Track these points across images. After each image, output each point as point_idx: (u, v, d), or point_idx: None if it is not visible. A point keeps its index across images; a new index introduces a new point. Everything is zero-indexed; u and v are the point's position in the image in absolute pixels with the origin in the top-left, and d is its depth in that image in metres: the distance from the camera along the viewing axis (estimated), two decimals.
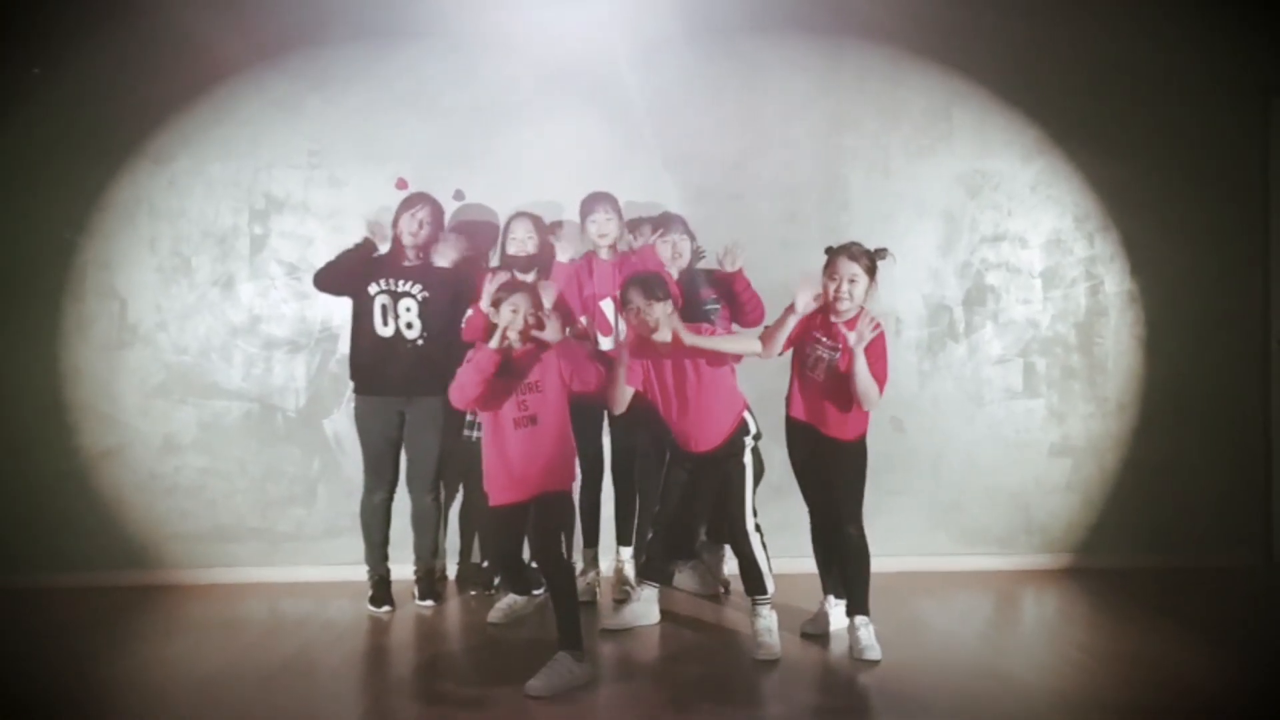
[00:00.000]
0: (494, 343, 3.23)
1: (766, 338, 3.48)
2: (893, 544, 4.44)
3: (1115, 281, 4.58)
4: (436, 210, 4.08)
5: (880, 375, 3.35)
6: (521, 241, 4.04)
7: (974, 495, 4.60)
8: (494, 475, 3.31)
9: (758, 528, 3.54)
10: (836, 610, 3.64)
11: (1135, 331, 4.59)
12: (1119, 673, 3.27)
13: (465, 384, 3.23)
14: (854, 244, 3.45)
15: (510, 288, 3.40)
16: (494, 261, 4.26)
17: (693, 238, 4.12)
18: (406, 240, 3.99)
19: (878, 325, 3.32)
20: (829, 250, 3.48)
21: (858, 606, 3.45)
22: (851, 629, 3.44)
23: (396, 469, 4.06)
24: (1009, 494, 4.61)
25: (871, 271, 3.42)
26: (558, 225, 4.17)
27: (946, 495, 4.59)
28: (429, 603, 4.05)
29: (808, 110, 4.55)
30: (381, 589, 4.03)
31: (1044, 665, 3.36)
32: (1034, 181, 4.57)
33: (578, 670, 3.10)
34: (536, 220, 4.11)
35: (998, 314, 4.58)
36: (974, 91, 4.57)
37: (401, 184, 4.32)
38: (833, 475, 3.47)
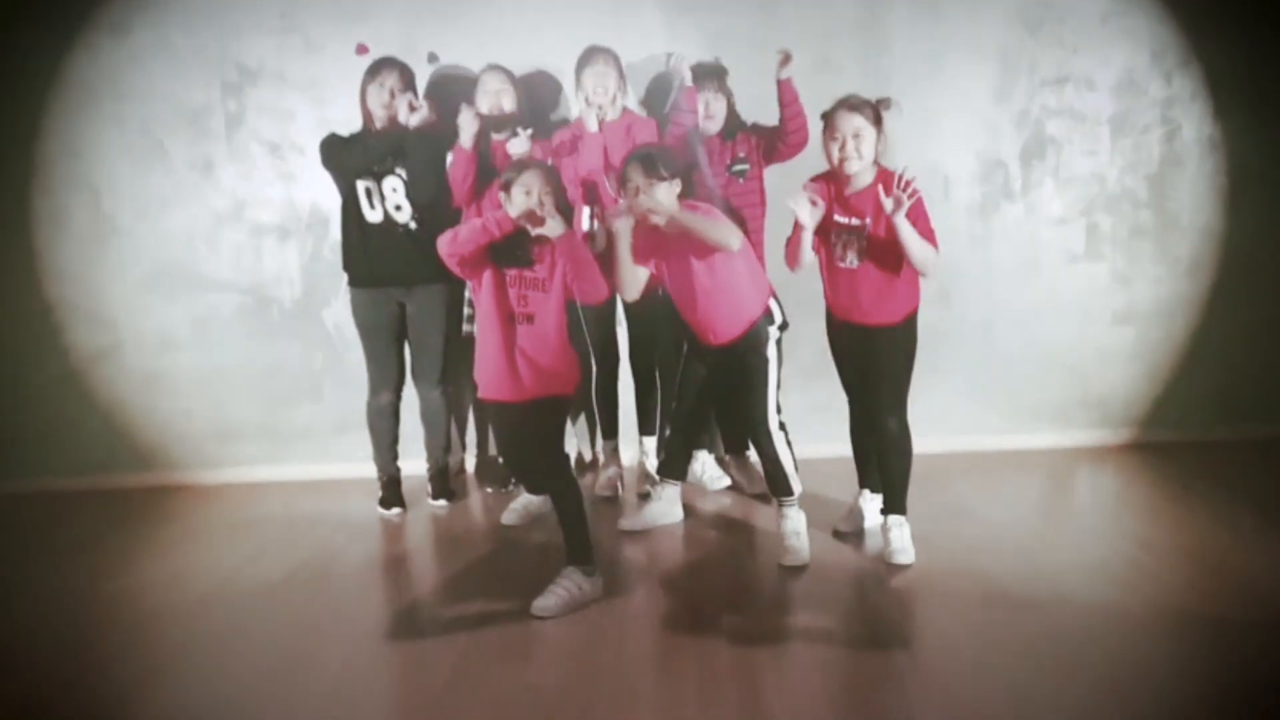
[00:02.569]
0: (513, 211, 2.90)
1: (788, 256, 3.08)
2: (937, 423, 4.10)
3: (1194, 126, 4.04)
4: (407, 76, 3.63)
5: (928, 235, 2.95)
6: (495, 95, 3.61)
7: (1027, 368, 4.22)
8: (486, 369, 3.00)
9: (782, 425, 3.22)
10: (872, 505, 3.36)
11: (1215, 183, 4.08)
12: (1184, 573, 2.96)
13: (462, 237, 2.89)
14: (852, 96, 3.03)
15: (520, 166, 3.02)
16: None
17: (729, 96, 3.64)
18: (378, 113, 3.57)
19: (912, 185, 2.86)
20: (831, 109, 3.03)
21: (894, 505, 3.16)
22: (885, 529, 3.16)
23: (402, 365, 3.78)
24: (1066, 366, 4.23)
25: (877, 121, 2.99)
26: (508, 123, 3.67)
27: (997, 369, 4.22)
28: (442, 502, 3.84)
29: None
30: (392, 490, 3.82)
31: (1098, 565, 3.05)
32: (1105, 11, 3.98)
33: (587, 586, 2.87)
34: (512, 76, 3.67)
35: (1059, 168, 4.08)
36: None
37: (361, 49, 3.87)
38: (876, 363, 3.11)
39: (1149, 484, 3.81)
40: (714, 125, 3.59)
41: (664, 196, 3.01)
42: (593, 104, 3.54)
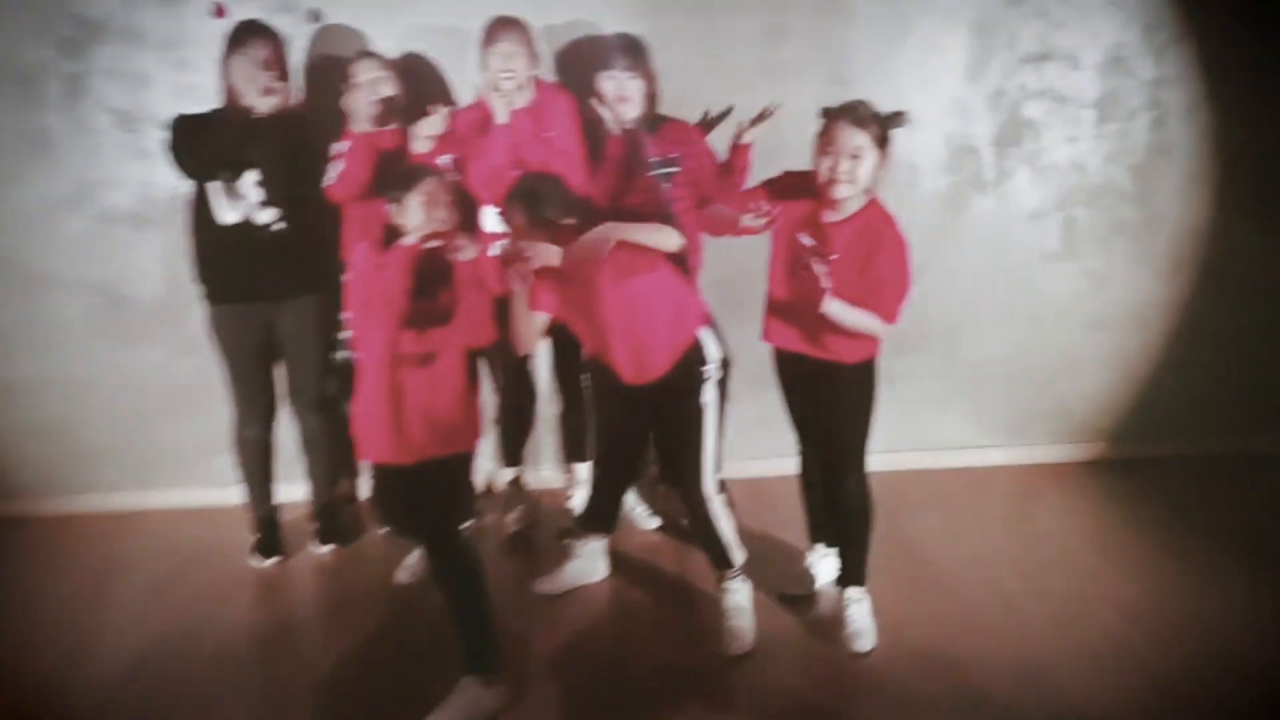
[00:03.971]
0: (413, 239, 2.39)
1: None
2: (896, 438, 3.69)
3: (1184, 112, 3.58)
4: (277, 45, 2.96)
5: (895, 296, 2.46)
6: (372, 85, 2.97)
7: (995, 376, 3.81)
8: (367, 422, 2.47)
9: (722, 487, 2.74)
10: (826, 563, 2.92)
11: (1203, 176, 3.64)
12: (1179, 652, 2.60)
13: (377, 291, 2.37)
14: (860, 104, 2.46)
15: (413, 173, 2.48)
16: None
17: (650, 78, 3.06)
18: (243, 92, 2.89)
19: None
20: (826, 112, 2.48)
21: (852, 576, 2.72)
22: (842, 604, 2.72)
23: (272, 391, 3.20)
24: (1036, 373, 3.81)
25: (883, 142, 2.45)
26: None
27: (962, 378, 3.79)
28: (329, 547, 3.31)
29: None
30: (268, 535, 3.27)
31: (1081, 645, 2.67)
32: None
33: (487, 702, 2.38)
34: (388, 62, 3.03)
35: (1036, 156, 3.60)
36: None
37: (218, 11, 3.20)
38: (833, 409, 2.63)
39: (1124, 510, 3.44)
40: (629, 111, 2.99)
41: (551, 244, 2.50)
42: (501, 90, 2.93)
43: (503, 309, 2.60)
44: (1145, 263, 3.72)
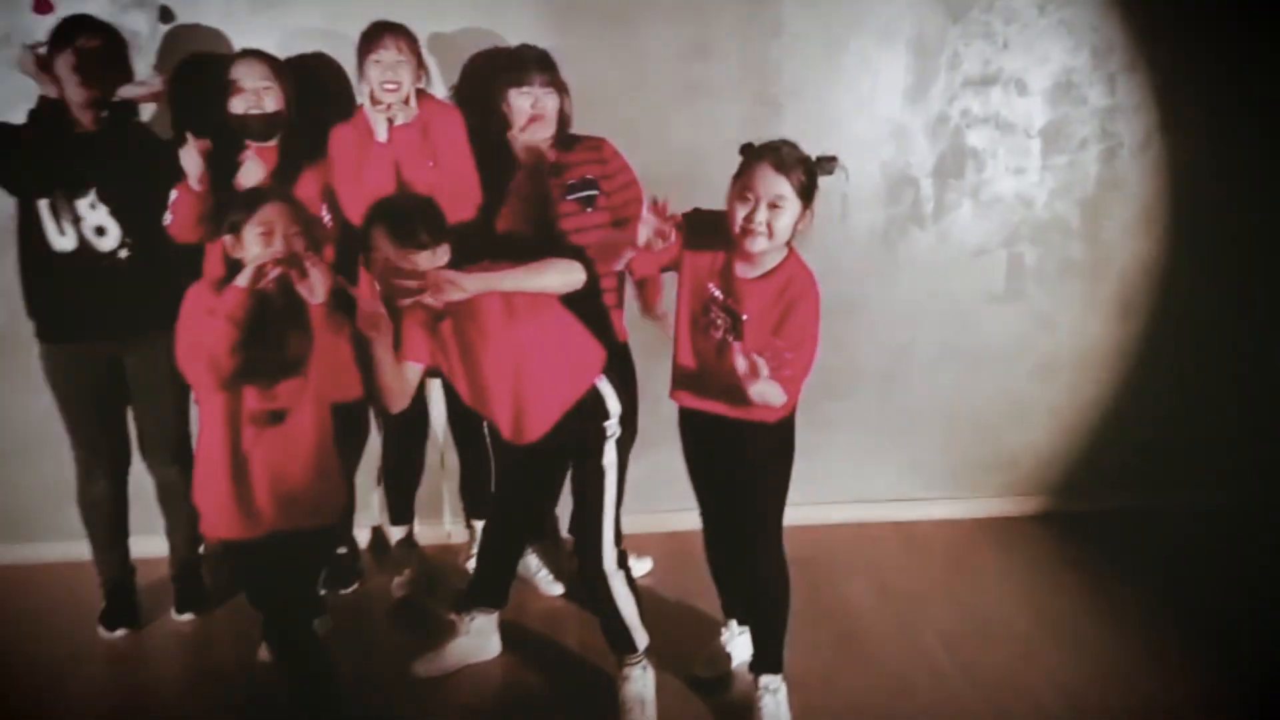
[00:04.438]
0: (244, 279, 2.00)
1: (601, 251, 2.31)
2: (824, 489, 3.43)
3: (1137, 143, 3.33)
4: (116, 45, 2.60)
5: (803, 370, 2.17)
6: (254, 94, 2.62)
7: (932, 425, 3.53)
8: (207, 493, 2.12)
9: (623, 559, 2.42)
10: (741, 641, 2.61)
11: (1156, 213, 3.39)
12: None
13: (202, 342, 2.01)
14: (785, 145, 2.16)
15: (252, 199, 2.13)
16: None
17: (564, 94, 2.75)
18: (75, 98, 2.52)
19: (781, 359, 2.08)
20: (746, 151, 2.18)
21: (767, 662, 2.40)
22: (756, 694, 2.40)
23: (121, 440, 2.82)
24: (978, 423, 3.54)
25: (807, 193, 2.15)
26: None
27: (897, 425, 3.51)
28: (189, 615, 2.93)
29: None
30: (119, 602, 2.88)
31: (1001, 708, 2.40)
32: None
33: None
34: (276, 64, 2.68)
35: (979, 189, 3.33)
36: None
37: (43, 7, 2.82)
38: (746, 473, 2.32)
39: (1071, 572, 3.17)
40: (542, 130, 2.69)
41: (428, 266, 2.16)
42: (381, 104, 2.60)
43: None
44: (1094, 305, 3.46)
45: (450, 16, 3.00)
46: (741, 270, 2.20)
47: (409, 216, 2.20)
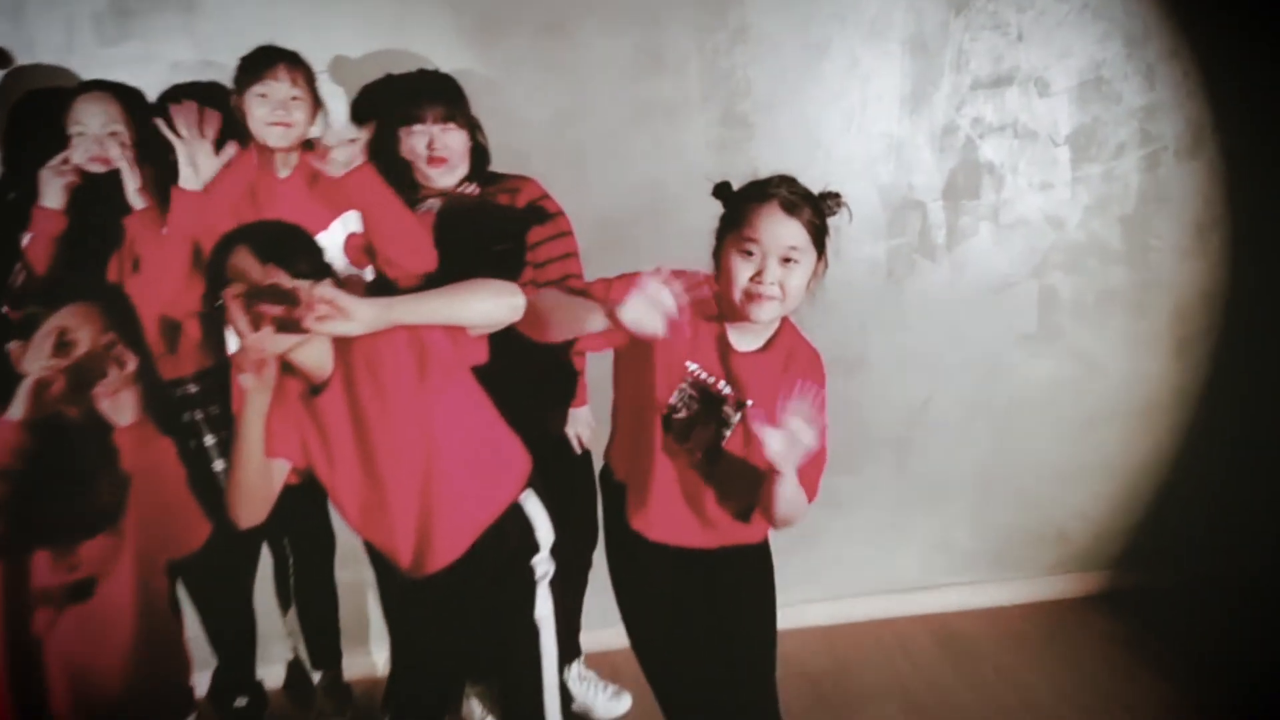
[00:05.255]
0: (16, 408, 1.47)
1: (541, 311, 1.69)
2: (838, 580, 2.87)
3: (1186, 144, 2.79)
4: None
5: (820, 458, 1.66)
6: (96, 141, 2.07)
7: (960, 495, 2.95)
8: None
9: (566, 698, 1.82)
10: None
11: (1213, 228, 2.84)
12: None
13: None
14: (791, 182, 1.69)
15: (30, 286, 1.61)
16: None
17: (471, 128, 2.26)
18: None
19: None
20: (727, 194, 1.73)
21: None
22: None
23: None
24: (1014, 488, 2.96)
25: (820, 239, 1.69)
26: (190, 114, 2.12)
27: (917, 498, 2.92)
28: None
29: None
30: None
31: None
32: None
33: None
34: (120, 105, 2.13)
35: (1000, 210, 2.78)
36: None
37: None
38: (734, 612, 1.79)
39: (1137, 665, 2.57)
40: (446, 176, 2.20)
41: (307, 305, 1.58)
42: (270, 146, 2.09)
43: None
44: (1144, 341, 2.89)
45: (353, 37, 2.47)
46: (739, 342, 1.72)
47: (281, 237, 1.66)
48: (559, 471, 2.11)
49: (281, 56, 2.10)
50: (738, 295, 1.65)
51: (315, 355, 1.64)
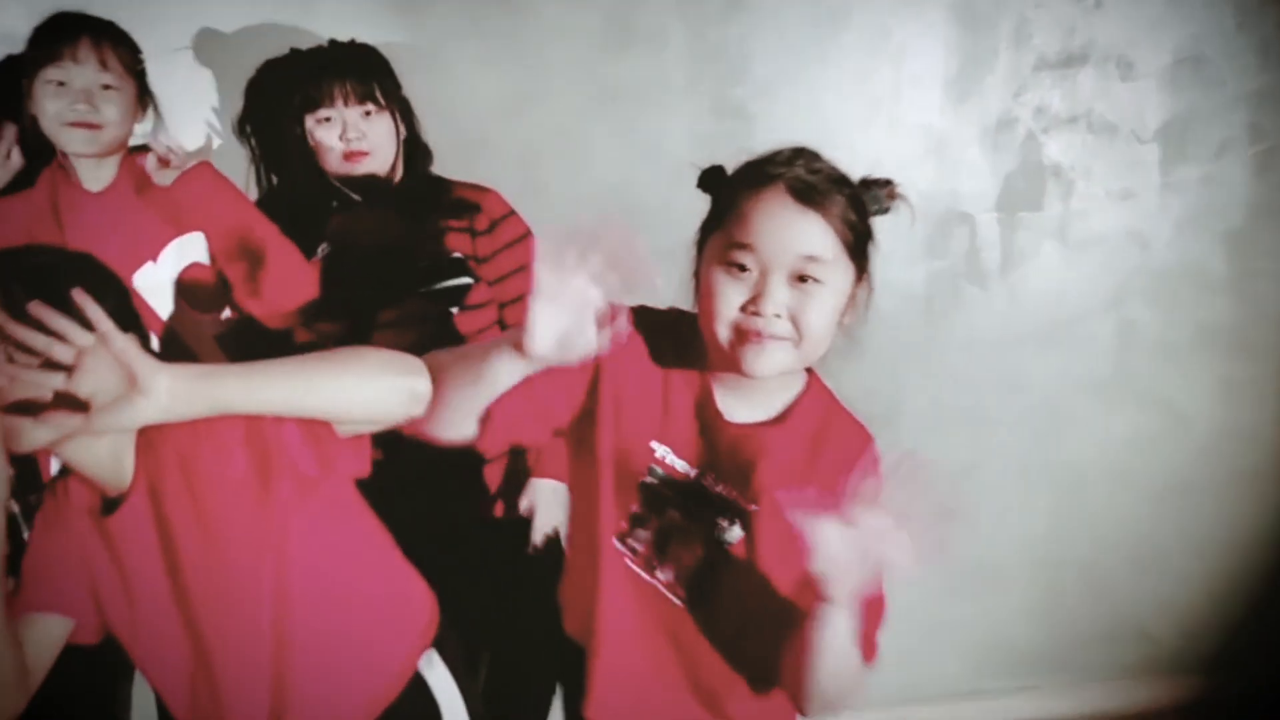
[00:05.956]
0: None
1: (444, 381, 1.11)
2: (878, 686, 2.23)
3: None
4: None
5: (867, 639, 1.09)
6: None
7: (1016, 580, 2.39)
8: None
9: None
10: None
11: None
12: None
13: None
14: (801, 156, 1.11)
15: None
16: None
17: (401, 113, 1.77)
18: None
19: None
20: (717, 179, 1.17)
21: None
22: None
23: None
24: (1083, 573, 2.40)
25: (860, 248, 1.10)
26: None
27: (968, 585, 2.36)
28: None
29: None
30: None
31: None
32: None
33: None
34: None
35: (1067, 225, 2.22)
36: None
37: None
38: None
39: None
40: (373, 163, 1.70)
41: (104, 377, 1.01)
42: (72, 147, 1.58)
43: None
44: (1247, 391, 2.33)
45: (229, 5, 1.93)
46: (733, 408, 1.14)
47: (48, 270, 1.11)
48: (500, 588, 1.57)
49: (86, 27, 1.55)
50: (723, 332, 1.07)
51: (102, 455, 1.10)
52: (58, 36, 1.54)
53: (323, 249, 1.65)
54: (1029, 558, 2.37)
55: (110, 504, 1.13)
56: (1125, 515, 2.38)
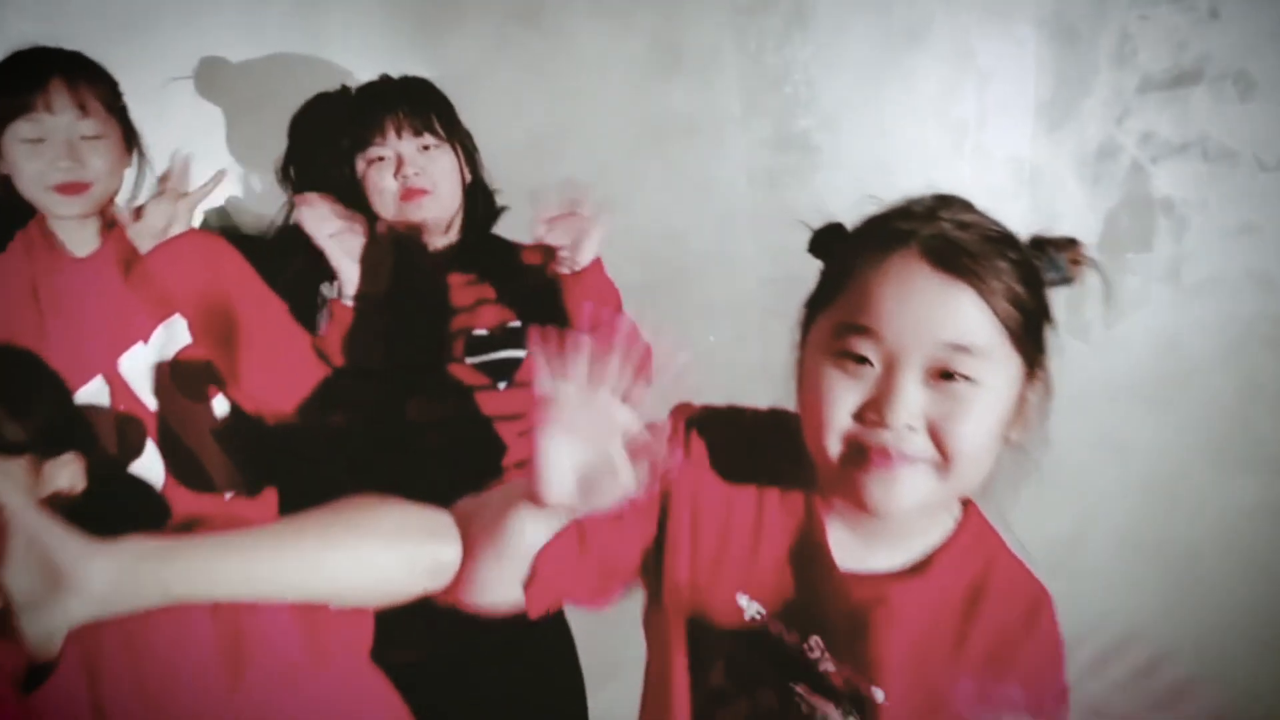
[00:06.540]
0: None
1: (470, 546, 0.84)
2: None
3: None
4: None
5: None
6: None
7: (1110, 671, 2.07)
8: None
9: None
10: None
11: None
12: None
13: None
14: (944, 205, 0.85)
15: None
16: None
17: (465, 150, 1.57)
18: None
19: None
20: (832, 240, 0.87)
21: None
22: None
23: None
24: (1190, 663, 2.07)
25: (1031, 336, 0.79)
26: None
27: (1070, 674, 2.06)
28: None
29: None
30: None
31: None
32: None
33: None
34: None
35: (1181, 266, 1.96)
36: None
37: None
38: None
39: None
40: (431, 208, 1.48)
41: (20, 565, 0.74)
42: (55, 209, 1.38)
43: None
44: None
45: (231, 30, 1.73)
46: (851, 553, 0.87)
47: None
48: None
49: (54, 66, 1.33)
50: (833, 447, 0.80)
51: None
52: (25, 82, 1.31)
53: (352, 302, 1.41)
54: (1137, 642, 2.09)
55: (34, 676, 0.87)
56: (1245, 596, 2.10)
